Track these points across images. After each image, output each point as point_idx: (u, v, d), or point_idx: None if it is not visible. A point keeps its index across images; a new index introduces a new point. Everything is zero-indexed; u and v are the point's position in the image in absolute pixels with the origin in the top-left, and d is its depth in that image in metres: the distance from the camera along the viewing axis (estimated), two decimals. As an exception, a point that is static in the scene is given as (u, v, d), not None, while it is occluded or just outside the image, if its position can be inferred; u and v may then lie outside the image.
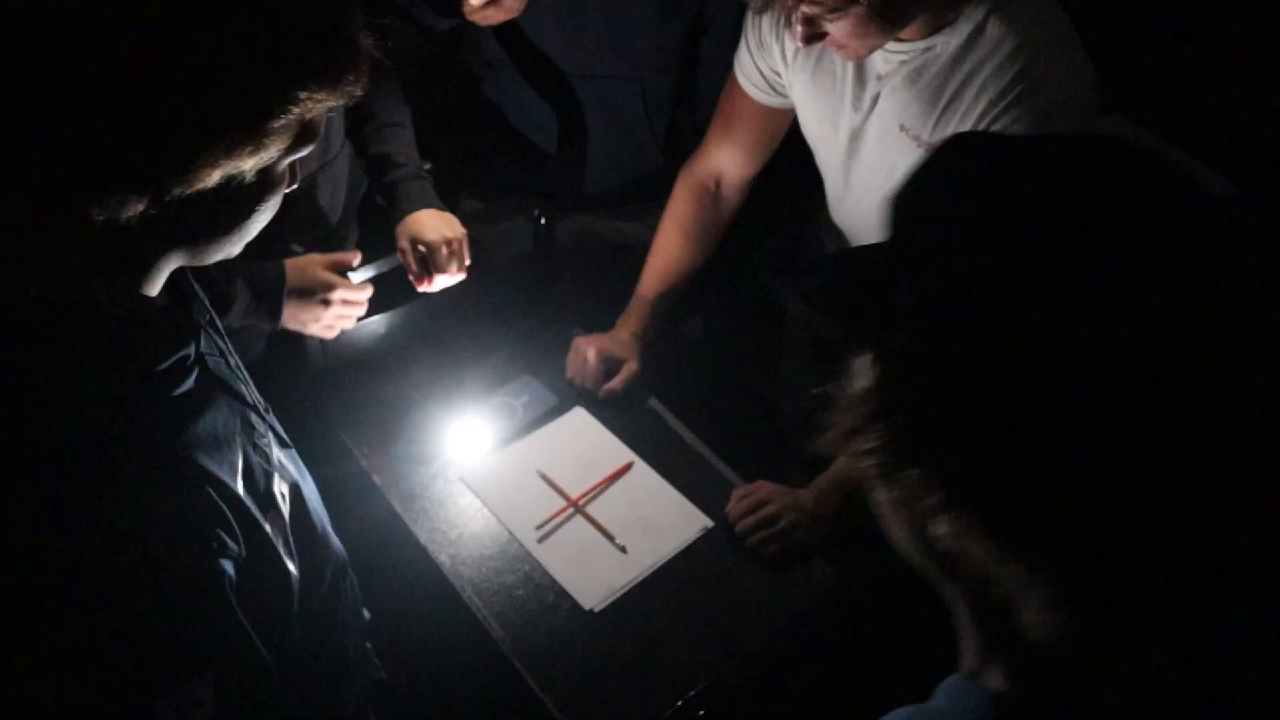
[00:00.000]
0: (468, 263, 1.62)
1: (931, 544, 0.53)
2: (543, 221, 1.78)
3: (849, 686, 1.41)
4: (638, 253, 1.79)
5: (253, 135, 0.69)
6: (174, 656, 0.72)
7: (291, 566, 0.88)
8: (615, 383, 1.67)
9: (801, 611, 1.40)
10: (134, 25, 0.63)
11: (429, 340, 1.77)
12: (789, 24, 1.25)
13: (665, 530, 1.48)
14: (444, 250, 1.58)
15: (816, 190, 1.65)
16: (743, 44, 1.55)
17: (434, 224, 1.61)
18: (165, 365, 0.76)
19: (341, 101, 0.73)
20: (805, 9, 1.18)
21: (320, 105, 0.72)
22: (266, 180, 0.76)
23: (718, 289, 1.84)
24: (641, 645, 1.35)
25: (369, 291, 1.55)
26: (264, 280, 1.43)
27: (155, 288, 0.78)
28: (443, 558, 1.44)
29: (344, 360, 1.67)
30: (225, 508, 0.77)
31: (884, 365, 0.52)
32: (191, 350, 0.79)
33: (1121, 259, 0.47)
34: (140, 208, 0.68)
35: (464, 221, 1.67)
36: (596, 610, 1.38)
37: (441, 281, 1.62)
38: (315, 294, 1.48)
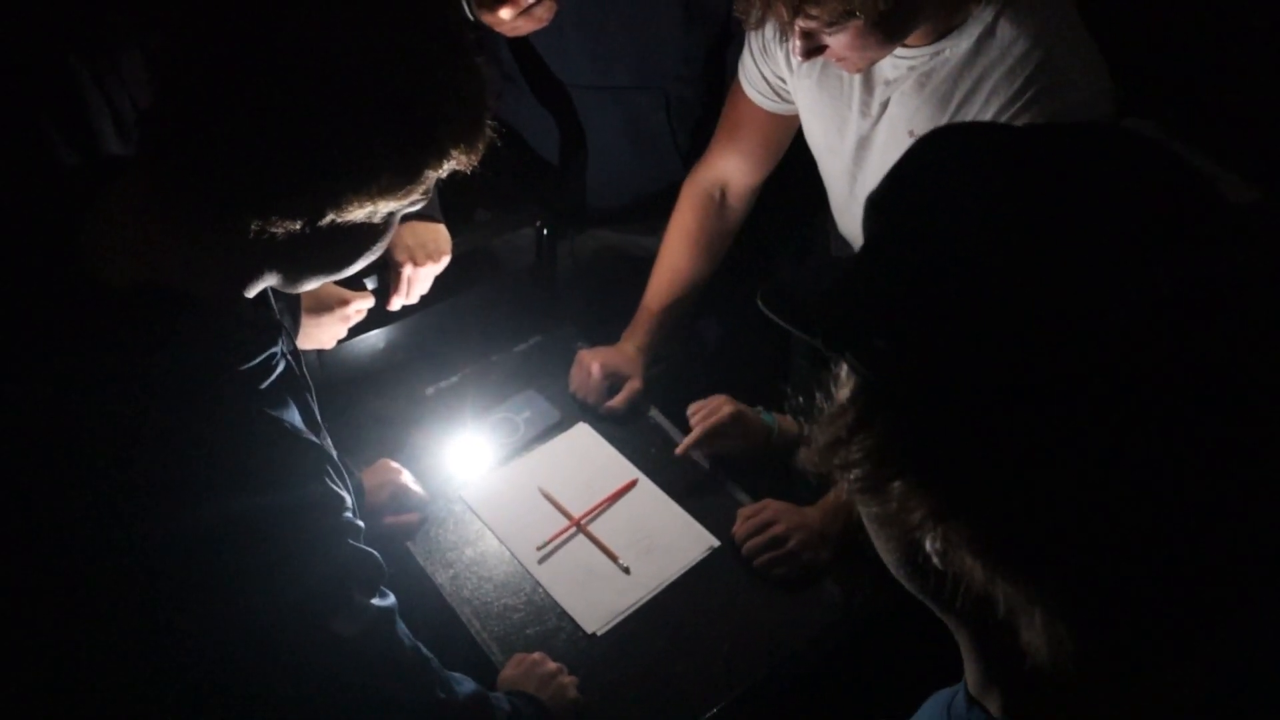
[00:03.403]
0: (413, 297, 1.57)
1: (924, 563, 0.50)
2: (545, 233, 1.75)
3: (859, 714, 1.36)
4: (651, 266, 1.75)
5: (409, 183, 0.81)
6: (340, 582, 0.89)
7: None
8: (617, 400, 1.64)
9: (811, 635, 1.35)
10: (341, 80, 0.75)
11: (429, 354, 1.73)
12: (784, 39, 1.22)
13: (670, 550, 1.44)
14: (401, 273, 1.54)
15: (824, 197, 1.61)
16: (746, 50, 1.52)
17: (410, 239, 1.56)
18: (258, 360, 0.84)
19: (469, 166, 0.85)
20: (802, 23, 1.14)
21: (455, 164, 0.84)
22: (388, 224, 0.88)
23: (728, 294, 1.80)
24: (645, 670, 1.30)
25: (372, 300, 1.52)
26: (283, 296, 1.41)
27: (253, 293, 0.88)
28: (441, 579, 1.41)
29: (342, 375, 1.64)
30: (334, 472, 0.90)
31: (862, 372, 0.49)
32: (279, 347, 0.88)
33: (1123, 260, 0.43)
34: (294, 227, 0.78)
35: (474, 231, 1.63)
36: (599, 634, 1.34)
37: (396, 302, 1.57)
38: (330, 310, 1.45)
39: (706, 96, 1.80)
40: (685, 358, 1.87)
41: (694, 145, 1.83)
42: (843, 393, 0.52)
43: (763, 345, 1.94)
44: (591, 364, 1.65)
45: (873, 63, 1.27)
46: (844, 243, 1.60)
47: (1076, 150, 0.49)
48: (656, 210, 1.82)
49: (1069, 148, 0.50)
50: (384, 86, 0.76)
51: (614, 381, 1.66)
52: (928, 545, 0.49)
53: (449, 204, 1.61)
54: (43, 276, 0.81)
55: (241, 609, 0.81)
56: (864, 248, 0.53)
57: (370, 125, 0.76)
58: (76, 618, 0.82)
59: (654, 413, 1.67)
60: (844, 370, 0.52)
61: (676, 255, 1.70)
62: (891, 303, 0.48)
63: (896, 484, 0.48)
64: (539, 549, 1.43)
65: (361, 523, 0.93)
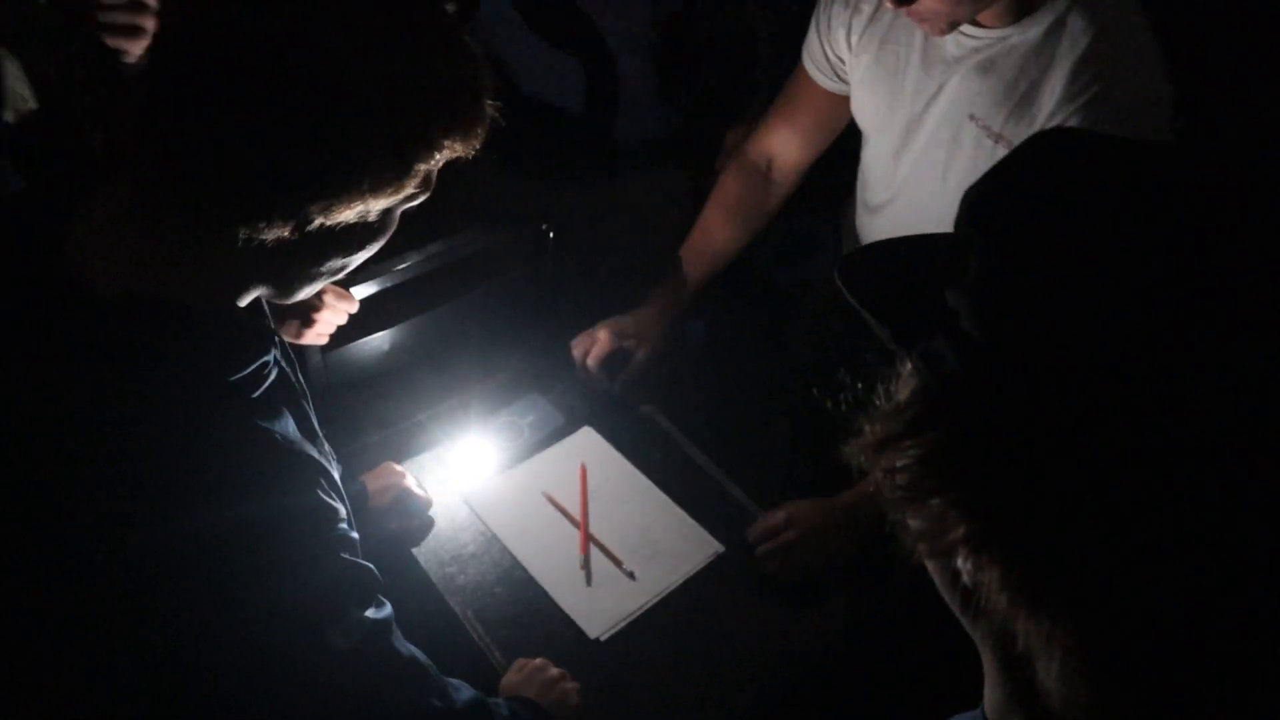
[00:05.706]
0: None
1: (953, 579, 0.49)
2: (551, 235, 1.74)
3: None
4: (654, 267, 1.74)
5: (398, 177, 0.78)
6: (334, 595, 0.87)
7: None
8: (619, 377, 1.62)
9: (816, 643, 1.34)
10: (321, 79, 0.72)
11: (433, 357, 1.72)
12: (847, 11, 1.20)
13: (675, 555, 1.43)
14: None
15: (831, 190, 1.61)
16: (812, 28, 1.52)
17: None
18: (251, 369, 0.82)
19: (468, 153, 0.82)
20: None
21: (450, 154, 0.81)
22: (384, 222, 0.84)
23: (722, 292, 1.79)
24: (648, 676, 1.29)
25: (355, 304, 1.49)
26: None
27: (245, 302, 0.86)
28: (444, 583, 1.40)
29: (346, 379, 1.63)
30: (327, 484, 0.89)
31: (925, 377, 0.47)
32: (271, 356, 0.86)
33: (1214, 290, 0.40)
34: (283, 233, 0.76)
35: (479, 233, 1.62)
36: (602, 639, 1.33)
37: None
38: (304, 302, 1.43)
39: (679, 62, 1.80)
40: (684, 348, 1.85)
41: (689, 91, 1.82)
42: (903, 392, 0.49)
43: (762, 344, 1.94)
44: (600, 330, 1.63)
45: (958, 23, 1.24)
46: (856, 241, 1.59)
47: (1201, 181, 0.46)
48: (665, 157, 1.82)
49: (1194, 177, 0.46)
50: (362, 83, 0.73)
51: (620, 348, 1.63)
52: (959, 562, 0.47)
53: (453, 204, 1.60)
54: (28, 285, 0.79)
55: (231, 621, 0.80)
56: (951, 245, 0.50)
57: (349, 124, 0.74)
58: (65, 629, 0.80)
59: (661, 420, 1.66)
60: (908, 368, 0.50)
61: (712, 220, 1.70)
62: (967, 313, 0.46)
63: (935, 501, 0.46)
64: (581, 569, 1.41)
65: (356, 534, 0.91)
